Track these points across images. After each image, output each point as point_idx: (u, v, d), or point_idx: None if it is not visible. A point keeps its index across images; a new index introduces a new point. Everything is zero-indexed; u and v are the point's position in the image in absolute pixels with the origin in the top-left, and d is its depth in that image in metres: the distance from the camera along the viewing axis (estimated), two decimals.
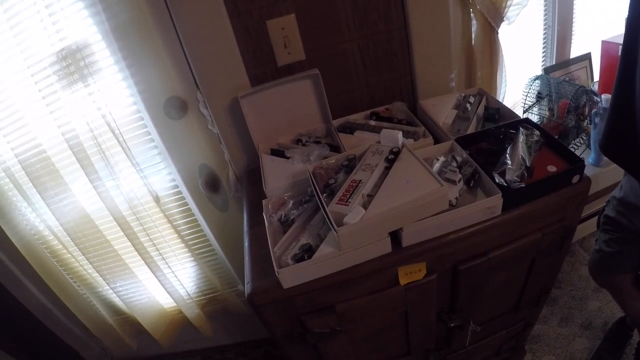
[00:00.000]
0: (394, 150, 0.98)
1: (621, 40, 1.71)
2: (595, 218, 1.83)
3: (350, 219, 0.83)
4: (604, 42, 1.79)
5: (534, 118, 1.81)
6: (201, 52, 1.17)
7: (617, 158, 1.17)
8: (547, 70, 1.86)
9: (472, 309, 1.17)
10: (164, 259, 1.52)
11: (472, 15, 1.34)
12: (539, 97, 1.79)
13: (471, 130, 1.17)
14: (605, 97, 1.61)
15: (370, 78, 1.31)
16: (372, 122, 1.24)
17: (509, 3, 1.34)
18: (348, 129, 1.24)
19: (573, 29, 1.86)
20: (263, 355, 1.94)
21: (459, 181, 0.95)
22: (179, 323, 1.77)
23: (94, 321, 1.68)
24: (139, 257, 1.46)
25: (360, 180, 0.91)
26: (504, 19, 1.36)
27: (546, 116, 1.80)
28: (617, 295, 1.52)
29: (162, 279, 1.53)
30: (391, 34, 1.25)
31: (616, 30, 1.87)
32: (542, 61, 1.90)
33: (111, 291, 1.59)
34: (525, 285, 1.21)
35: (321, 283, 0.89)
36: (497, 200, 0.92)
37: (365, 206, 0.86)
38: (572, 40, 1.89)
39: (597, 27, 1.91)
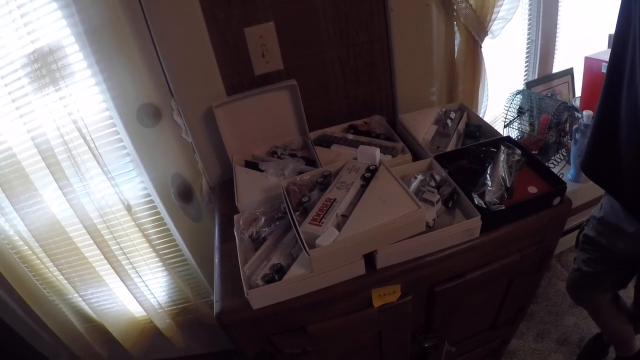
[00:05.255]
0: (370, 167, 0.95)
1: (605, 57, 1.75)
2: (573, 233, 1.83)
3: (323, 241, 0.80)
4: (587, 59, 1.79)
5: (515, 133, 1.81)
6: (176, 58, 1.12)
7: (599, 179, 1.15)
8: (529, 85, 1.85)
9: (447, 329, 1.14)
10: (134, 268, 1.47)
11: (455, 28, 1.32)
12: (520, 112, 1.78)
13: (451, 147, 1.15)
14: (587, 114, 1.60)
15: (350, 90, 1.29)
16: (350, 136, 1.21)
17: (493, 17, 1.32)
18: (325, 143, 1.21)
19: (556, 44, 1.86)
20: None
21: (437, 202, 0.93)
22: (150, 332, 1.72)
23: (64, 328, 1.62)
24: (109, 266, 1.41)
25: (335, 199, 0.88)
26: (488, 33, 1.34)
27: (527, 131, 1.79)
28: (595, 313, 1.51)
29: (133, 288, 1.48)
30: (372, 45, 1.23)
31: (599, 46, 1.88)
32: (525, 76, 1.90)
33: (80, 299, 1.54)
34: (502, 305, 1.20)
35: (292, 304, 0.86)
36: (475, 222, 0.91)
37: (339, 227, 0.83)
38: (555, 56, 1.89)
39: (581, 43, 1.92)
